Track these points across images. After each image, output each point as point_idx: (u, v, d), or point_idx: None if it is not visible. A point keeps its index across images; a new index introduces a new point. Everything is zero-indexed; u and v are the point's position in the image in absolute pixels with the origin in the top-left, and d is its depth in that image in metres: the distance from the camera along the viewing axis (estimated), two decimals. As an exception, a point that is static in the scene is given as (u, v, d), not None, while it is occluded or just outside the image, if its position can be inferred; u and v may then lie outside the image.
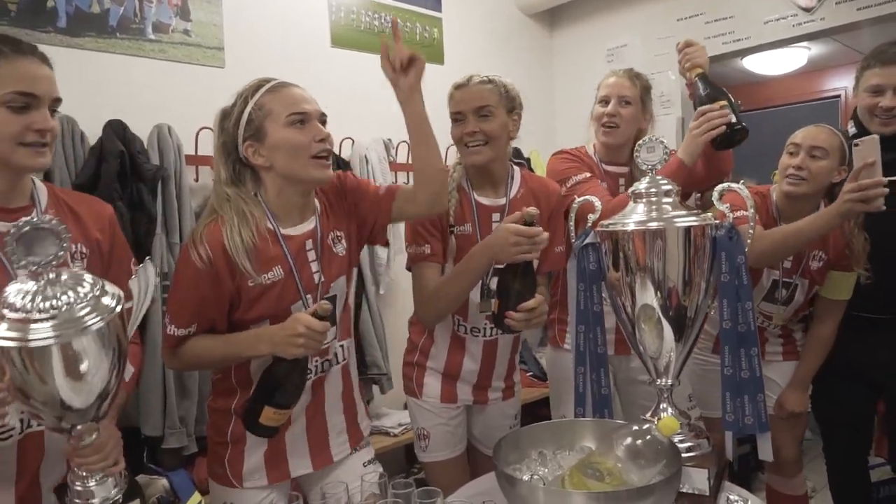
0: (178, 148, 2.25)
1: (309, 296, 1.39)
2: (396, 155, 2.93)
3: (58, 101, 1.17)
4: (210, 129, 2.31)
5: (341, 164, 2.71)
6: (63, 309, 0.89)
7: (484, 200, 1.71)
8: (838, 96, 4.25)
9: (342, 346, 1.51)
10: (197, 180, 2.38)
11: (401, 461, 2.82)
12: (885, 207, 1.57)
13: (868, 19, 2.65)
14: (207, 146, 2.36)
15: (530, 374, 3.31)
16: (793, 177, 1.83)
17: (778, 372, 2.00)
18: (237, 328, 1.38)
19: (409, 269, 1.72)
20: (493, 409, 1.83)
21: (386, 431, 2.66)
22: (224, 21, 2.46)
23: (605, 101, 1.96)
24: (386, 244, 2.76)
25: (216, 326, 1.37)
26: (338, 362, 1.50)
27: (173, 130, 2.24)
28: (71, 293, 0.90)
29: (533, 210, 1.45)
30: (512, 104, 1.70)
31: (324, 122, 1.39)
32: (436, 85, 3.35)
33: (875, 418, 2.15)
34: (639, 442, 1.08)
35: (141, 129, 2.18)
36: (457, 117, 1.68)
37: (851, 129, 2.00)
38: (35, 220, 0.92)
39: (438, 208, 1.53)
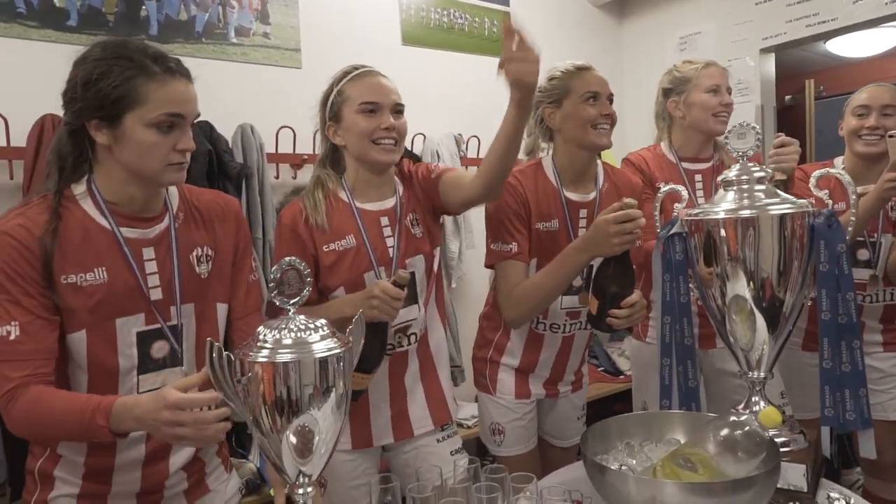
0: (261, 147, 2.34)
1: (382, 268, 1.48)
2: (467, 149, 2.95)
3: (197, 115, 1.21)
4: (289, 127, 2.42)
5: (413, 159, 2.75)
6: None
7: (572, 196, 1.69)
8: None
9: (425, 324, 1.57)
10: (277, 177, 2.47)
11: (473, 453, 2.83)
12: None
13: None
14: (287, 144, 2.45)
15: (601, 368, 3.27)
16: (870, 136, 1.80)
17: (879, 361, 1.91)
18: (323, 298, 1.49)
19: (489, 266, 1.70)
20: (563, 402, 1.83)
21: (459, 423, 2.69)
22: (301, 23, 2.54)
23: (716, 88, 1.90)
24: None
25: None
26: (416, 341, 1.56)
27: (255, 130, 2.32)
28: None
29: (632, 200, 1.44)
30: None
31: (400, 112, 1.51)
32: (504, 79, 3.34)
33: None
34: (737, 433, 1.05)
35: (226, 129, 2.28)
36: (592, 96, 1.63)
37: None
38: (286, 263, 0.98)
39: (493, 197, 1.56)
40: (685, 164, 1.92)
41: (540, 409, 1.84)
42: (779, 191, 1.33)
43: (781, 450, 1.25)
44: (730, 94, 1.90)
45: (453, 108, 2.97)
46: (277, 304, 0.99)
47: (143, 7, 2.21)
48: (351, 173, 1.53)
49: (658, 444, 1.28)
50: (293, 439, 0.96)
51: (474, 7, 3.06)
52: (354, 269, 1.47)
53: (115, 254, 1.15)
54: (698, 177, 1.91)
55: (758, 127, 1.34)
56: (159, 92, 1.11)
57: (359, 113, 1.46)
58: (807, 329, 1.91)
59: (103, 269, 1.14)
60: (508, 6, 3.20)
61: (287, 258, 1.00)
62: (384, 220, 1.52)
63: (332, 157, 1.56)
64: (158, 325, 1.20)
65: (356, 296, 1.41)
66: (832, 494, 1.24)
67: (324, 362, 0.95)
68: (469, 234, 2.87)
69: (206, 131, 2.21)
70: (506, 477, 1.02)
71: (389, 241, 1.51)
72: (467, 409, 2.72)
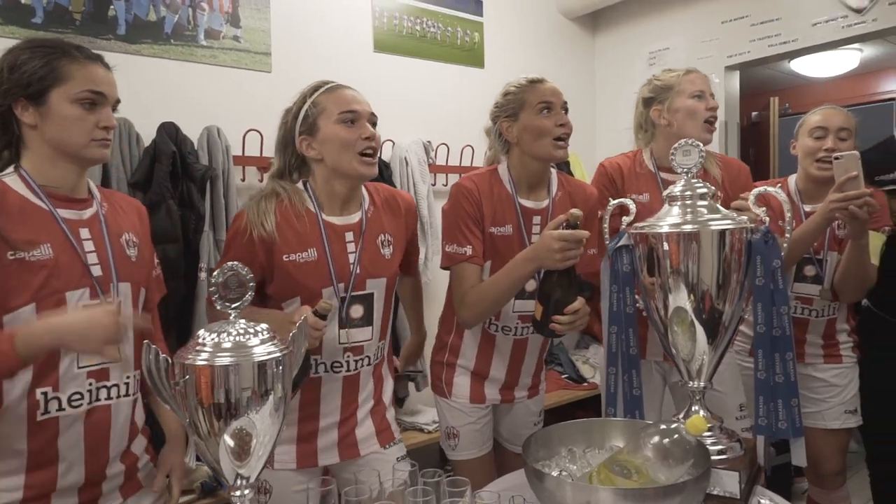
0: (227, 149, 2.34)
1: (341, 284, 1.48)
2: (436, 157, 2.98)
3: (117, 101, 1.30)
4: (257, 130, 2.43)
5: (381, 165, 2.77)
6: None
7: (527, 203, 1.73)
8: (892, 99, 4.11)
9: (379, 346, 1.58)
10: (243, 180, 2.47)
11: (435, 458, 2.85)
12: (867, 217, 1.67)
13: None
14: (254, 147, 2.46)
15: (565, 376, 3.31)
16: (825, 159, 1.86)
17: (820, 372, 1.97)
18: (272, 304, 1.49)
19: (444, 268, 1.74)
20: (519, 408, 1.86)
21: (420, 428, 2.71)
22: (272, 27, 2.55)
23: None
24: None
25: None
26: (372, 363, 1.56)
27: (222, 132, 2.33)
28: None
29: (577, 211, 1.46)
30: None
31: (374, 123, 1.51)
32: (475, 89, 3.41)
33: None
34: (666, 441, 1.09)
35: (192, 130, 2.28)
36: (546, 107, 1.66)
37: None
38: (229, 268, 1.00)
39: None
40: (664, 175, 1.91)
41: (496, 414, 1.87)
42: (720, 207, 1.37)
43: (718, 457, 1.30)
44: (713, 99, 1.90)
45: (423, 116, 3.00)
46: (219, 307, 1.01)
47: (112, 7, 2.20)
48: (321, 186, 1.51)
49: (600, 451, 1.31)
50: (230, 442, 0.97)
51: (447, 16, 3.10)
52: (313, 282, 1.46)
53: (56, 231, 1.22)
54: None
55: (701, 145, 1.38)
56: (82, 71, 1.22)
57: (338, 123, 1.46)
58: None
59: (48, 245, 1.20)
60: (482, 16, 3.24)
61: (230, 263, 1.02)
62: (349, 236, 1.51)
63: (300, 171, 1.54)
64: (99, 301, 1.25)
65: (281, 317, 1.39)
66: (762, 501, 1.28)
67: (262, 366, 0.97)
68: (435, 240, 2.89)
69: (171, 132, 2.21)
70: (441, 482, 1.04)
71: (351, 258, 1.51)
72: (429, 414, 2.74)
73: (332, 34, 2.75)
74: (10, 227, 1.17)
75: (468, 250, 1.66)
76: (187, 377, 0.95)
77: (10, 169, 1.23)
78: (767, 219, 1.35)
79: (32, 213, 1.20)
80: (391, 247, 1.57)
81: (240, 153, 2.43)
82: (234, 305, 1.01)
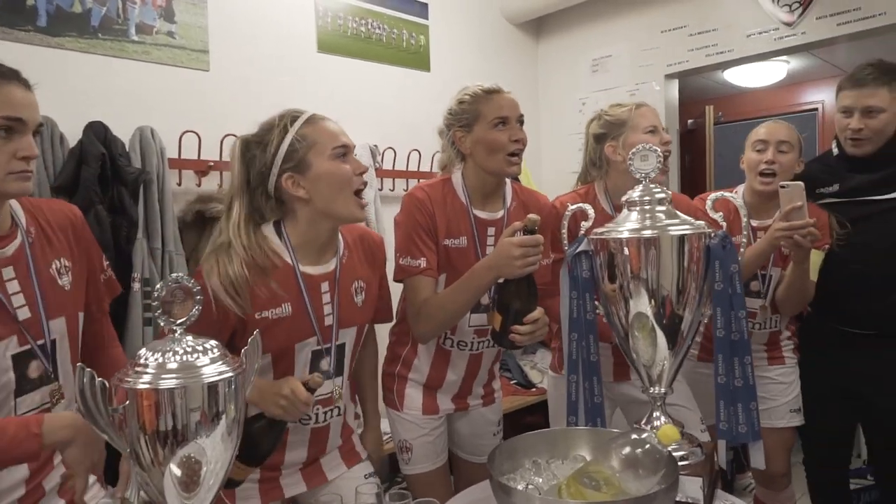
0: (161, 151, 2.20)
1: (316, 338, 1.40)
2: (382, 161, 2.91)
3: (40, 125, 1.15)
4: (194, 132, 2.30)
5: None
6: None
7: (481, 214, 1.68)
8: (815, 109, 4.34)
9: (346, 392, 1.51)
10: (180, 184, 2.33)
11: (390, 468, 2.78)
12: (810, 246, 1.74)
13: (845, 35, 2.70)
14: (191, 149, 2.33)
15: (514, 381, 3.30)
16: (767, 171, 1.92)
17: (765, 371, 2.02)
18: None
19: (398, 281, 1.67)
20: (475, 416, 1.82)
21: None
22: (209, 23, 2.43)
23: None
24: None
25: None
26: (342, 413, 1.50)
27: (156, 133, 2.19)
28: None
29: (535, 216, 1.43)
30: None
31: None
32: (421, 92, 3.37)
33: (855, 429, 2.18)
34: (638, 451, 1.07)
35: (123, 131, 2.13)
36: (501, 121, 1.62)
37: (835, 150, 2.04)
38: (173, 280, 0.90)
39: None
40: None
41: (450, 424, 1.82)
42: (678, 212, 1.38)
43: (681, 464, 1.29)
44: (666, 133, 1.90)
45: (369, 119, 2.93)
46: (162, 325, 0.92)
47: (31, -5, 2.03)
48: (300, 231, 1.38)
49: (564, 462, 1.28)
50: (177, 471, 0.88)
51: (392, 18, 3.04)
52: (288, 338, 1.36)
53: None
54: None
55: (659, 150, 1.39)
56: None
57: (333, 159, 1.33)
58: (701, 343, 2.00)
59: None
60: (427, 19, 3.20)
61: (174, 275, 0.93)
62: (325, 286, 1.41)
63: (260, 214, 1.38)
64: (29, 346, 1.13)
65: (265, 387, 1.28)
66: (725, 505, 1.28)
67: (213, 387, 0.88)
68: (389, 248, 2.82)
69: (99, 133, 2.06)
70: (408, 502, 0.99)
71: (327, 309, 1.41)
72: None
73: (274, 33, 2.64)
74: None
75: (422, 263, 1.60)
76: (127, 403, 0.86)
77: None
78: (725, 223, 1.36)
79: None
80: (363, 293, 1.49)
81: (176, 155, 2.29)
82: (179, 322, 0.93)
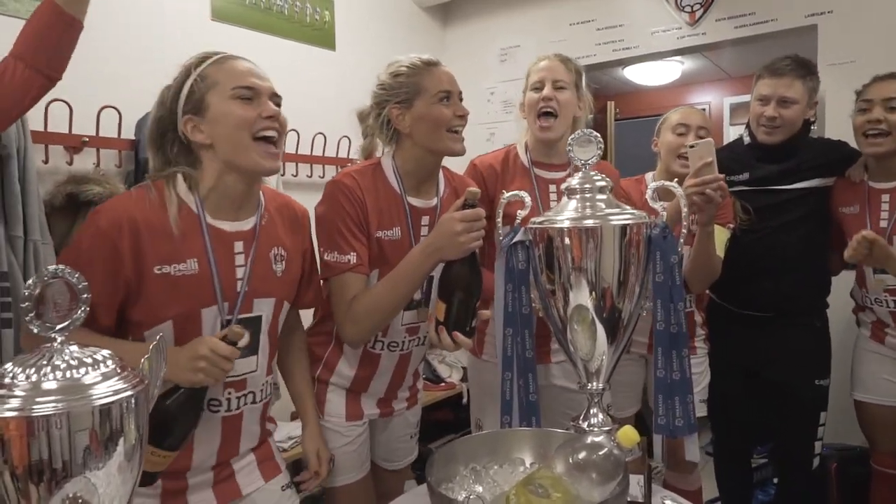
0: (23, 123, 1.86)
1: (226, 303, 1.20)
2: (284, 145, 2.69)
3: None
4: (64, 101, 1.98)
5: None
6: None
7: (415, 202, 1.53)
8: (703, 109, 4.59)
9: (265, 382, 1.32)
10: (46, 162, 2.01)
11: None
12: (721, 200, 1.73)
13: (753, 36, 2.84)
14: (61, 122, 2.01)
15: (423, 377, 3.20)
16: (685, 157, 1.91)
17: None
18: (133, 331, 1.17)
19: (324, 278, 1.49)
20: (398, 421, 1.70)
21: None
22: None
23: (539, 86, 1.82)
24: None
25: (98, 318, 1.13)
26: (258, 401, 1.31)
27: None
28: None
29: (475, 189, 1.33)
30: None
31: (277, 104, 1.24)
32: (326, 72, 3.16)
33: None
34: (594, 456, 1.00)
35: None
36: (446, 95, 1.50)
37: (746, 138, 2.12)
38: (51, 273, 0.72)
39: None
40: (538, 171, 1.83)
41: (372, 430, 1.68)
42: (621, 203, 1.33)
43: (619, 462, 1.26)
44: (564, 89, 1.80)
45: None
46: (36, 331, 0.72)
47: None
48: (208, 181, 1.22)
49: (503, 466, 1.20)
50: (58, 519, 0.69)
51: (296, -10, 2.82)
52: (191, 301, 1.17)
53: None
54: (552, 187, 1.82)
55: (600, 136, 1.33)
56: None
57: (233, 99, 1.18)
58: None
59: None
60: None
61: (53, 267, 0.73)
62: (238, 246, 1.24)
63: (186, 160, 1.23)
64: None
65: (174, 353, 1.09)
66: (667, 501, 1.26)
67: (106, 410, 0.70)
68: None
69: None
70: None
71: (240, 272, 1.23)
72: (283, 430, 2.47)
73: (160, -5, 2.35)
74: None
75: (352, 258, 1.42)
76: (-12, 433, 0.66)
77: None
78: (665, 213, 1.33)
79: None
80: (283, 263, 1.32)
81: (41, 128, 1.96)
82: (59, 327, 0.73)
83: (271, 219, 1.32)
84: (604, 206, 1.30)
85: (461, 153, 1.53)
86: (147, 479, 1.11)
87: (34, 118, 1.92)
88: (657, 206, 1.33)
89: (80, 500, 0.70)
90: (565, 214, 1.30)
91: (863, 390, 2.07)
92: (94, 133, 2.04)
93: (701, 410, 2.08)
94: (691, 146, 1.77)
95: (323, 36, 2.97)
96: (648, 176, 2.14)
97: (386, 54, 3.25)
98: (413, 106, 1.48)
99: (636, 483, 1.23)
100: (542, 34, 3.35)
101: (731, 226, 1.98)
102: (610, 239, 1.26)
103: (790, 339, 2.03)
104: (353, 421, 1.58)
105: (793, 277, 2.01)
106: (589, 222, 1.26)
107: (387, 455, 1.72)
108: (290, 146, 2.74)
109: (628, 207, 1.31)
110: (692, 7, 2.91)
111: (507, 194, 1.42)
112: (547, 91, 1.79)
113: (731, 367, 2.10)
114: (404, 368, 1.62)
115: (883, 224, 1.90)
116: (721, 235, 1.94)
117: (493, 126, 3.57)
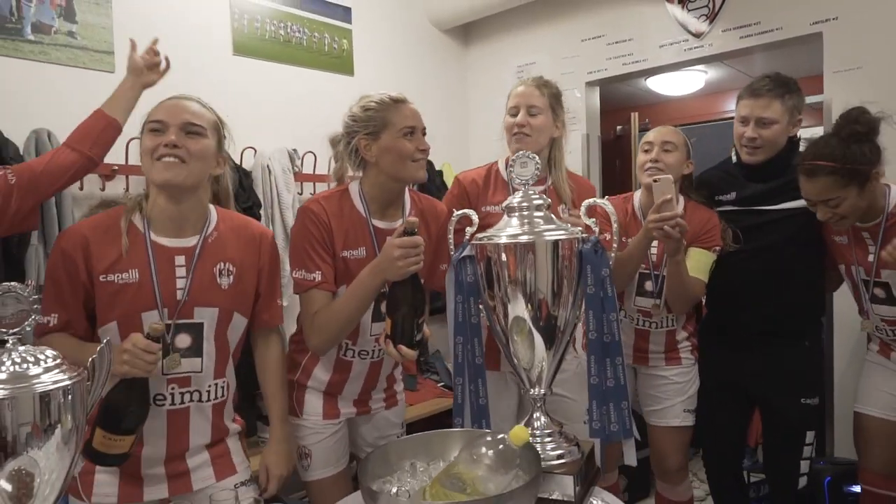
0: (60, 154, 2.13)
1: (166, 309, 1.38)
2: (302, 165, 2.90)
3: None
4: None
5: (241, 173, 2.65)
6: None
7: (380, 224, 1.68)
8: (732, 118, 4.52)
9: (216, 384, 1.48)
10: (82, 188, 2.27)
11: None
12: (678, 236, 1.80)
13: (758, 45, 2.82)
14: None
15: (441, 384, 3.33)
16: (651, 169, 2.00)
17: (662, 371, 2.09)
18: (94, 328, 1.40)
19: (296, 293, 1.66)
20: (378, 419, 1.82)
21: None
22: (114, 23, 2.37)
23: (514, 112, 1.98)
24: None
25: (73, 323, 1.38)
26: (206, 400, 1.46)
27: (53, 136, 2.12)
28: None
29: (413, 219, 1.45)
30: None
31: (195, 133, 1.41)
32: (344, 96, 3.34)
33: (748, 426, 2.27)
34: (491, 451, 1.09)
35: (17, 134, 2.07)
36: (410, 130, 1.63)
37: (734, 157, 2.13)
38: (6, 287, 0.90)
39: None
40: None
41: (354, 428, 1.81)
42: (554, 217, 1.41)
43: (557, 462, 1.33)
44: (538, 114, 1.93)
45: (289, 123, 2.91)
46: None
47: (-87, -8, 1.95)
48: (151, 202, 1.45)
49: (443, 464, 1.30)
50: (7, 486, 0.86)
51: (314, 22, 3.03)
52: (132, 305, 1.37)
53: None
54: None
55: (537, 157, 1.42)
56: None
57: (147, 133, 1.41)
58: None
59: None
60: (350, 24, 3.20)
61: (6, 283, 0.91)
62: (179, 259, 1.43)
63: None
64: None
65: (115, 350, 1.28)
66: (594, 502, 1.32)
67: (45, 397, 0.87)
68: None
69: (-11, 135, 1.99)
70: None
71: (180, 283, 1.41)
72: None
73: (185, 33, 2.60)
74: None
75: (317, 276, 1.59)
76: (-53, 415, 0.83)
77: None
78: (597, 229, 1.40)
79: None
80: (231, 277, 1.48)
81: (76, 159, 2.22)
82: (12, 332, 0.90)
83: (220, 236, 1.49)
84: (541, 222, 1.39)
85: (422, 180, 1.68)
86: (114, 461, 1.28)
87: (70, 150, 2.18)
88: (589, 222, 1.41)
89: (24, 472, 0.87)
90: (506, 231, 1.39)
91: (864, 402, 2.03)
92: (123, 162, 2.29)
93: (688, 420, 2.11)
94: (654, 181, 1.84)
95: (341, 63, 3.16)
96: (637, 193, 2.18)
97: (406, 76, 3.46)
98: (380, 138, 1.62)
99: (570, 483, 1.31)
100: (556, 50, 3.44)
101: (717, 248, 2.00)
102: (543, 253, 1.34)
103: (776, 357, 2.01)
104: (330, 419, 1.73)
105: (780, 298, 2.00)
106: (524, 238, 1.35)
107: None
108: (307, 166, 2.94)
109: (564, 224, 1.40)
110: (698, 19, 2.92)
111: (456, 213, 1.53)
112: (520, 117, 1.93)
113: (718, 382, 2.10)
114: (376, 374, 1.75)
115: (871, 258, 1.88)
116: (705, 258, 1.97)
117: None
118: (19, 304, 0.91)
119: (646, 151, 2.03)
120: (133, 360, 1.24)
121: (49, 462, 0.88)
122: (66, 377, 0.89)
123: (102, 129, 1.65)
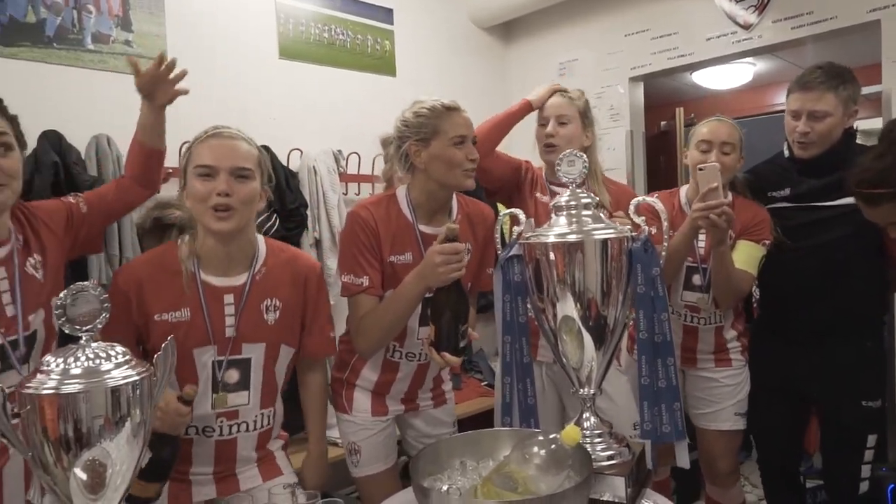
0: (118, 159, 2.22)
1: (216, 346, 1.44)
2: (347, 166, 2.94)
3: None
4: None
5: (288, 174, 2.70)
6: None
7: (426, 229, 1.69)
8: (783, 111, 4.38)
9: (262, 414, 1.52)
10: (138, 192, 2.35)
11: (347, 472, 2.80)
12: (725, 226, 1.75)
13: (809, 36, 2.74)
14: (148, 157, 2.34)
15: (485, 383, 3.33)
16: None
17: (712, 372, 2.05)
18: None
19: (343, 296, 1.69)
20: (428, 417, 1.84)
21: (334, 442, 2.63)
22: (167, 32, 2.45)
23: (544, 122, 2.04)
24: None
25: None
26: (253, 429, 1.51)
27: (112, 141, 2.21)
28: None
29: (453, 225, 1.46)
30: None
31: (245, 176, 1.42)
32: (387, 97, 3.40)
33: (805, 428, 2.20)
34: (543, 451, 1.10)
35: (79, 139, 2.16)
36: (461, 140, 1.64)
37: (786, 152, 2.07)
38: (77, 287, 0.95)
39: None
40: (553, 188, 2.01)
41: (403, 423, 1.84)
42: (603, 216, 1.40)
43: (607, 463, 1.32)
44: (565, 124, 1.99)
45: (333, 124, 2.95)
46: (67, 331, 0.94)
47: (-17, 6, 2.06)
48: (200, 241, 1.47)
49: (493, 463, 1.30)
50: (82, 475, 0.91)
51: (356, 24, 3.07)
52: (184, 343, 1.40)
53: None
54: None
55: (584, 156, 1.41)
56: None
57: (196, 178, 1.40)
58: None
59: None
60: (392, 25, 3.23)
61: (79, 283, 0.95)
62: (228, 298, 1.46)
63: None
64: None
65: None
66: (647, 504, 1.31)
67: (116, 391, 0.91)
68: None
69: (54, 141, 2.08)
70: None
71: (230, 321, 1.45)
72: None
73: (233, 39, 2.67)
74: None
75: (364, 281, 1.62)
76: (28, 407, 0.88)
77: None
78: (647, 228, 1.38)
79: None
80: (277, 312, 1.51)
81: (133, 163, 2.31)
82: (85, 328, 0.95)
83: (269, 273, 1.51)
84: (590, 221, 1.38)
85: (471, 188, 1.69)
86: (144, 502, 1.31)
87: (127, 155, 2.27)
88: (639, 220, 1.39)
89: (97, 463, 0.91)
90: (553, 230, 1.39)
91: None
92: (176, 165, 2.35)
93: (739, 424, 2.06)
94: (700, 169, 1.79)
95: (384, 64, 3.20)
96: (682, 189, 2.15)
97: (448, 75, 3.47)
98: (430, 145, 1.63)
99: (622, 484, 1.30)
100: (599, 46, 3.40)
101: (767, 242, 1.95)
102: (592, 252, 1.33)
103: (834, 358, 1.94)
104: (378, 416, 1.76)
105: (838, 297, 1.92)
106: (572, 237, 1.35)
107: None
108: (352, 167, 2.99)
109: (612, 223, 1.39)
110: (747, 10, 2.85)
111: (503, 212, 1.54)
112: (550, 128, 2.00)
113: (772, 384, 2.04)
114: (423, 375, 1.77)
115: None
116: (754, 252, 1.92)
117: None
118: (90, 303, 0.95)
119: (703, 152, 1.97)
120: (165, 417, 1.29)
121: (120, 453, 0.92)
122: (134, 373, 0.93)
123: (146, 158, 1.61)
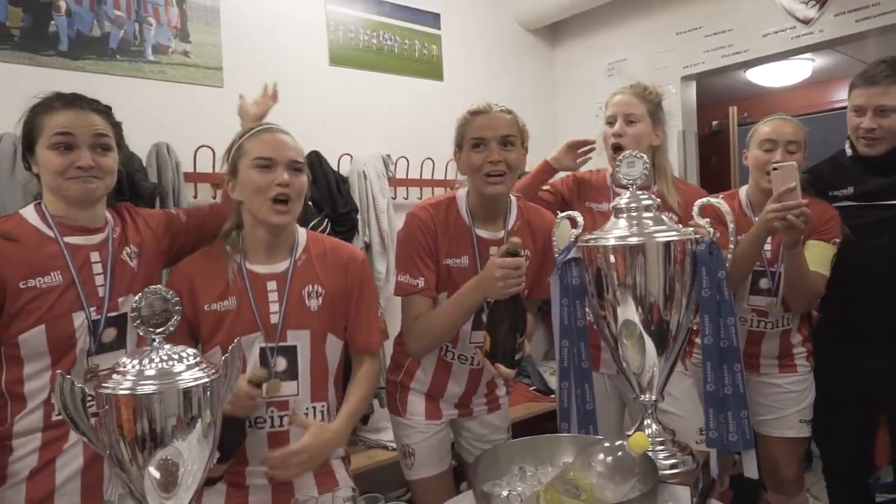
0: (177, 166, 2.29)
1: (261, 333, 1.46)
2: (395, 170, 2.96)
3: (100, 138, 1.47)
4: (209, 146, 2.38)
5: (339, 179, 2.73)
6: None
7: (483, 233, 1.69)
8: (844, 108, 4.20)
9: (314, 407, 1.50)
10: (195, 197, 2.42)
11: (398, 475, 2.81)
12: (803, 227, 1.68)
13: (873, 29, 2.63)
14: (206, 164, 2.41)
15: (533, 388, 3.30)
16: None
17: (776, 378, 1.98)
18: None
19: (397, 295, 1.69)
20: (481, 421, 1.83)
21: (384, 445, 2.65)
22: (222, 42, 2.51)
23: (611, 120, 1.96)
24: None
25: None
26: None
27: (172, 149, 2.28)
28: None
29: (516, 239, 1.46)
30: (525, 137, 1.70)
31: (298, 169, 1.46)
32: (434, 101, 3.41)
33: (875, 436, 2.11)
34: (610, 458, 1.07)
35: (140, 147, 2.23)
36: (478, 143, 1.62)
37: (849, 150, 2.00)
38: (151, 291, 0.99)
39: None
40: (618, 190, 1.95)
41: (457, 428, 1.83)
42: (665, 218, 1.37)
43: (670, 472, 1.28)
44: (634, 122, 1.92)
45: (382, 129, 2.98)
46: (141, 333, 0.97)
47: (52, 22, 2.14)
48: (247, 231, 1.49)
49: (553, 469, 1.29)
50: (156, 473, 0.93)
51: (405, 29, 3.09)
52: (232, 332, 1.42)
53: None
54: None
55: (646, 157, 1.38)
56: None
57: (253, 168, 1.42)
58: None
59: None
60: (439, 30, 3.24)
61: (153, 287, 0.98)
62: (271, 285, 1.47)
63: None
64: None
65: None
66: (716, 515, 1.27)
67: (188, 392, 0.93)
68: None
69: (118, 150, 2.15)
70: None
71: (274, 307, 1.47)
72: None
73: (285, 48, 2.72)
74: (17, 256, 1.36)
75: (420, 282, 1.62)
76: (106, 407, 0.91)
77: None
78: (711, 230, 1.34)
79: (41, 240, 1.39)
80: (320, 299, 1.50)
81: (191, 169, 2.38)
82: (158, 331, 0.97)
83: (309, 259, 1.52)
84: (651, 223, 1.35)
85: (493, 195, 1.63)
86: (208, 483, 1.31)
87: (186, 162, 2.34)
88: (703, 222, 1.35)
89: (170, 462, 0.93)
90: (613, 233, 1.36)
91: None
92: (208, 170, 2.41)
93: (804, 432, 1.99)
94: (774, 168, 1.73)
95: (431, 69, 3.21)
96: (742, 190, 2.09)
97: (494, 79, 3.45)
98: (462, 151, 1.66)
99: (686, 493, 1.26)
100: (648, 46, 3.33)
101: (837, 241, 1.87)
102: (654, 255, 1.30)
103: None
104: (432, 420, 1.75)
105: None
106: (633, 240, 1.32)
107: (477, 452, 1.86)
108: (400, 171, 3.00)
109: (675, 225, 1.35)
110: (807, 4, 2.75)
111: (560, 216, 1.51)
112: (618, 127, 1.92)
113: (838, 389, 1.96)
114: (476, 380, 1.76)
115: None
116: (826, 251, 1.86)
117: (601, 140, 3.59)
118: (164, 304, 0.97)
119: (767, 151, 1.91)
120: (236, 401, 1.30)
121: (191, 453, 0.94)
122: (204, 375, 0.95)
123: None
